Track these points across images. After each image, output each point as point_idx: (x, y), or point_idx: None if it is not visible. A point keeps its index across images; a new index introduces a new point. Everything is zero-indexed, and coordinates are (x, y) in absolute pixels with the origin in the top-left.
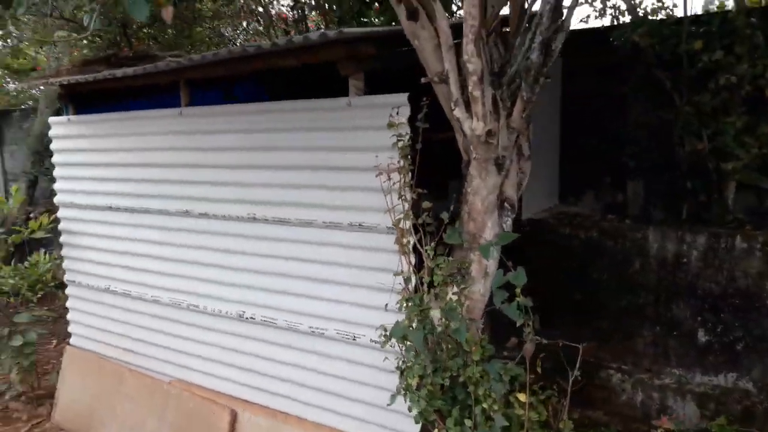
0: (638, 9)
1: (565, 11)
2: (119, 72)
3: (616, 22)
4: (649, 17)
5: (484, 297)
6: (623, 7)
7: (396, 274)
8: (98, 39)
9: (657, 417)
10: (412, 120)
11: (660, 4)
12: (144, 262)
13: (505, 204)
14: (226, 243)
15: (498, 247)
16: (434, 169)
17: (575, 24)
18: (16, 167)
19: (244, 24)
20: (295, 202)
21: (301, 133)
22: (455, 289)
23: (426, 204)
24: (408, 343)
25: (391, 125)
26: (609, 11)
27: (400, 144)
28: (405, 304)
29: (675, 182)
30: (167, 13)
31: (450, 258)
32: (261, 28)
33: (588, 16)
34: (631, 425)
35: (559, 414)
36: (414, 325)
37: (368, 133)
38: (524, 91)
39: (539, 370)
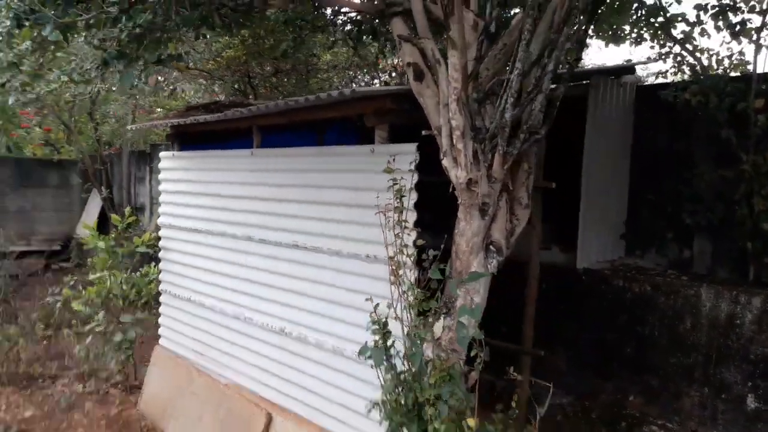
0: (709, 66)
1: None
2: (201, 117)
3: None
4: (710, 73)
5: (467, 330)
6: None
7: (388, 305)
8: (228, 85)
9: None
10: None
11: (736, 61)
12: (215, 277)
13: (491, 246)
14: (275, 265)
15: (484, 285)
16: (439, 209)
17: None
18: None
19: (353, 74)
20: (326, 233)
21: (336, 174)
22: (445, 321)
23: (419, 241)
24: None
25: (388, 171)
26: (685, 67)
27: (396, 187)
28: (372, 327)
29: (740, 242)
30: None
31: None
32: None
33: (666, 72)
34: None
35: None
36: (378, 345)
37: (385, 176)
38: (500, 147)
39: (514, 404)
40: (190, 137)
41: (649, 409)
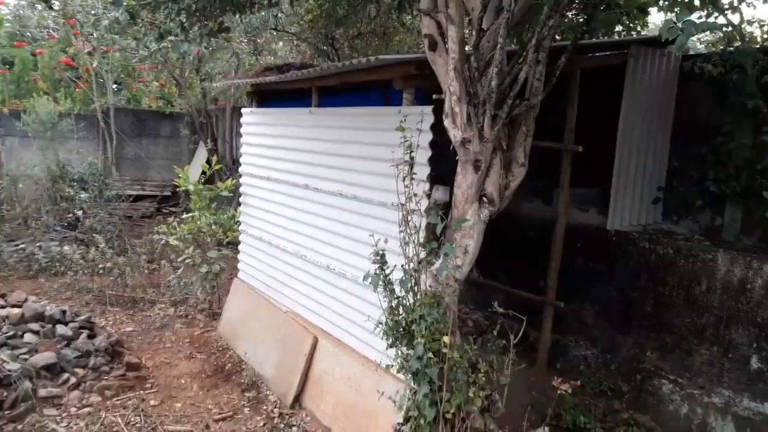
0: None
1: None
2: (267, 78)
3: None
4: (735, 44)
5: (462, 269)
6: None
7: (386, 240)
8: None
9: None
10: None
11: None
12: (281, 220)
13: (484, 198)
14: (325, 211)
15: (477, 231)
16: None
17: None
18: None
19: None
20: (361, 184)
21: (370, 132)
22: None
23: (425, 190)
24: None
25: (399, 129)
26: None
27: (406, 143)
28: (374, 258)
29: (764, 210)
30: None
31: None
32: None
33: (715, 42)
34: None
35: (505, 369)
36: (377, 273)
37: (408, 133)
38: (488, 110)
39: (495, 333)
40: (267, 95)
41: (663, 364)
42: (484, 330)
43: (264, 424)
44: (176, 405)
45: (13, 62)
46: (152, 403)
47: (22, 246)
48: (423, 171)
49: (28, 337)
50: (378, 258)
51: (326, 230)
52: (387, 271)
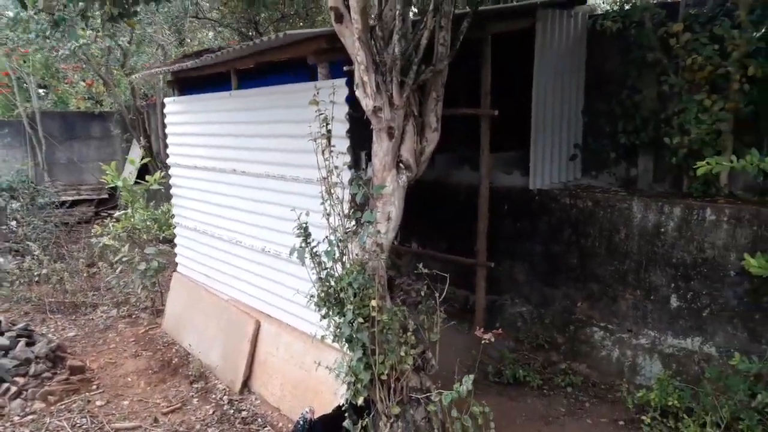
0: None
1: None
2: (185, 63)
3: None
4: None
5: (387, 236)
6: None
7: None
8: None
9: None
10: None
11: None
12: (212, 208)
13: (401, 164)
14: (254, 194)
15: (398, 197)
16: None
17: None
18: None
19: None
20: (286, 162)
21: (288, 110)
22: (369, 229)
23: (345, 162)
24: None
25: (312, 103)
26: None
27: (321, 117)
28: (297, 231)
29: (670, 158)
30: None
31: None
32: None
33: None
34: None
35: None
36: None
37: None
38: (395, 77)
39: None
40: (188, 83)
41: (593, 313)
42: (426, 297)
43: (213, 412)
44: (123, 403)
45: None
46: (98, 403)
47: None
48: (342, 143)
49: None
50: (301, 231)
51: (258, 213)
52: (312, 244)
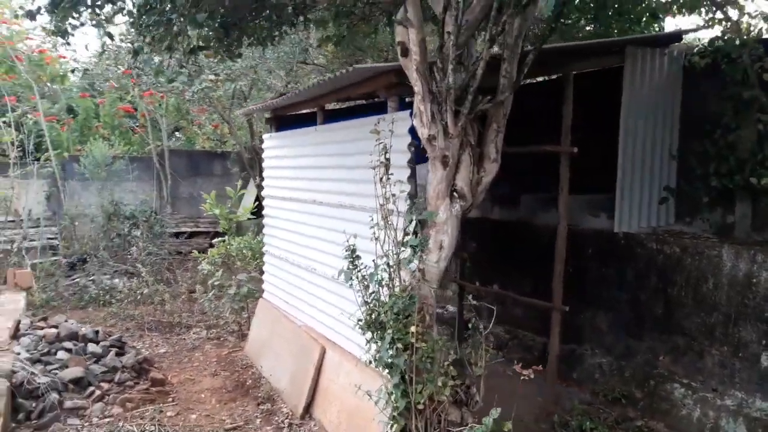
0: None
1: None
2: (274, 101)
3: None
4: (726, 36)
5: (438, 265)
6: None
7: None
8: None
9: None
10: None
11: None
12: (296, 237)
13: (455, 193)
14: (328, 222)
15: (451, 226)
16: None
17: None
18: None
19: None
20: (357, 193)
21: (359, 142)
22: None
23: (402, 190)
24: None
25: (373, 132)
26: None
27: (381, 146)
28: (345, 253)
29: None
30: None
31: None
32: None
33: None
34: None
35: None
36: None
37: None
38: (449, 107)
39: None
40: (284, 121)
41: (676, 368)
42: (505, 343)
43: None
44: (192, 416)
45: (78, 112)
46: (169, 414)
47: (77, 279)
48: (402, 173)
49: (61, 354)
50: (349, 254)
51: (329, 241)
52: (361, 268)
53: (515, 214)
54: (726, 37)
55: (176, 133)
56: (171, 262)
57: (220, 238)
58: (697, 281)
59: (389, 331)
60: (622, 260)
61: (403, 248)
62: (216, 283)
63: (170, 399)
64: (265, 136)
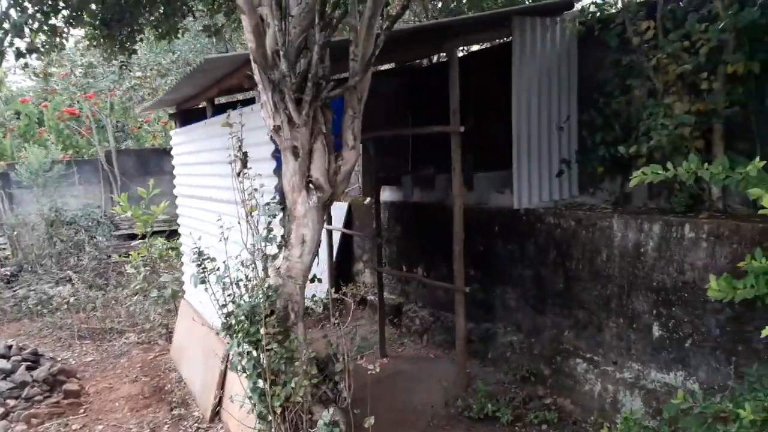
0: None
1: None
2: (162, 97)
3: None
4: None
5: (302, 259)
6: None
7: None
8: None
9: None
10: None
11: None
12: (199, 234)
13: (311, 185)
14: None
15: (311, 220)
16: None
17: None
18: None
19: None
20: (224, 186)
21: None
22: (283, 253)
23: (262, 184)
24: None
25: (225, 125)
26: None
27: (234, 140)
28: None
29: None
30: None
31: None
32: None
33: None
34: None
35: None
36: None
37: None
38: (288, 95)
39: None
40: (188, 115)
41: (580, 342)
42: (429, 326)
43: None
44: (98, 428)
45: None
46: (74, 427)
47: (19, 290)
48: (265, 166)
49: None
50: (196, 257)
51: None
52: (209, 268)
53: (432, 195)
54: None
55: (122, 133)
56: (107, 266)
57: (140, 241)
58: (592, 254)
59: (239, 334)
60: (523, 236)
61: (265, 244)
62: (137, 286)
63: (81, 410)
64: (172, 132)
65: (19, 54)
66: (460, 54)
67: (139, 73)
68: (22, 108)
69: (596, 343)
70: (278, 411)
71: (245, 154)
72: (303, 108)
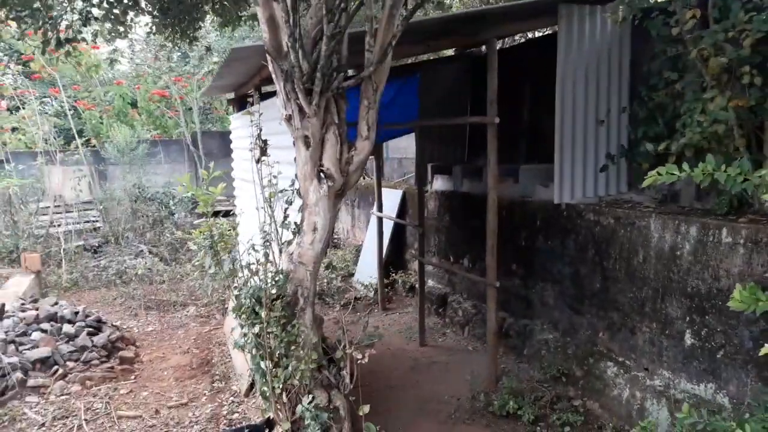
0: None
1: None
2: (213, 84)
3: None
4: None
5: (313, 246)
6: None
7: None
8: None
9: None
10: None
11: None
12: (250, 218)
13: (322, 174)
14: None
15: (322, 208)
16: None
17: None
18: None
19: None
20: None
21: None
22: (296, 239)
23: (280, 171)
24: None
25: (246, 113)
26: None
27: (255, 129)
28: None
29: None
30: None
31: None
32: None
33: None
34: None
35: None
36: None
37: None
38: (298, 85)
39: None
40: (243, 100)
41: (613, 345)
42: (470, 318)
43: (210, 411)
44: (143, 394)
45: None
46: (122, 392)
47: (102, 261)
48: (287, 154)
49: (35, 335)
50: (209, 240)
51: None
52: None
53: (480, 186)
54: None
55: (206, 115)
56: (182, 242)
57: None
58: (629, 254)
59: (243, 315)
60: (564, 232)
61: (281, 230)
62: (196, 263)
63: (132, 377)
64: (232, 117)
65: (58, 43)
66: (524, 40)
67: (216, 58)
68: (117, 90)
69: (629, 347)
70: (278, 392)
71: (265, 141)
72: (313, 98)
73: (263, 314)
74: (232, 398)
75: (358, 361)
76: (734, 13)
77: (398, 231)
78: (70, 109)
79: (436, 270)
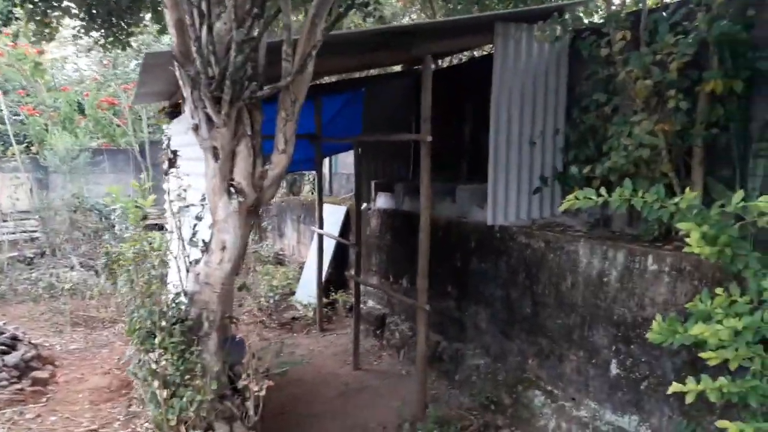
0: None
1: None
2: (136, 92)
3: None
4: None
5: (221, 266)
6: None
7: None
8: None
9: None
10: None
11: None
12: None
13: (232, 188)
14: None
15: (232, 224)
16: None
17: None
18: None
19: None
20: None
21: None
22: (204, 257)
23: (189, 184)
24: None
25: (161, 122)
26: None
27: (166, 142)
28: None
29: None
30: None
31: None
32: None
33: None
34: None
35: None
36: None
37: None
38: (204, 94)
39: None
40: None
41: (542, 372)
42: (406, 341)
43: None
44: (51, 419)
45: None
46: (28, 416)
47: (35, 273)
48: (195, 167)
49: None
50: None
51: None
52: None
53: (418, 205)
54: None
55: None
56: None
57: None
58: (558, 279)
59: (137, 341)
60: (497, 254)
61: (189, 248)
62: (124, 278)
63: (44, 399)
64: (164, 127)
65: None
66: (469, 58)
67: None
68: (64, 96)
69: (557, 375)
70: (172, 423)
71: (174, 152)
72: (223, 107)
73: (156, 340)
74: (146, 424)
75: (254, 393)
76: (662, 36)
77: (341, 249)
78: (15, 115)
79: (376, 290)
